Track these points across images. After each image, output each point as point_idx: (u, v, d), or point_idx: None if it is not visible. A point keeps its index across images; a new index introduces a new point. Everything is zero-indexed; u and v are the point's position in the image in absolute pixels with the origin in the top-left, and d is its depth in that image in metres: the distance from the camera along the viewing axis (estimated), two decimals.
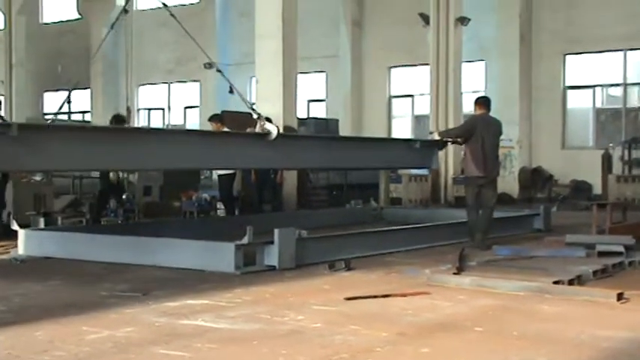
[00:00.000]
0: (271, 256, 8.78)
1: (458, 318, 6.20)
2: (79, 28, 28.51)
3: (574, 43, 21.39)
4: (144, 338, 5.50)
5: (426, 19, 20.54)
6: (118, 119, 14.59)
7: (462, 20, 19.97)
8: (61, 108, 9.29)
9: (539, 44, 21.93)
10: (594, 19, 20.79)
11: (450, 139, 12.52)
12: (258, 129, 14.18)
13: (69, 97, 11.56)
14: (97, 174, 16.14)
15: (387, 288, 7.40)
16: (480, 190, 11.03)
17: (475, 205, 11.15)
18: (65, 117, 30.34)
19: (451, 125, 19.41)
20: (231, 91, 11.59)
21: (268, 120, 11.49)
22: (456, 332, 5.71)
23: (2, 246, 10.57)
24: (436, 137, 12.67)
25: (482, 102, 11.38)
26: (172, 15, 11.38)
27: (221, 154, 10.16)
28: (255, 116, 11.20)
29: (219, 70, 11.62)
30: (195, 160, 10.16)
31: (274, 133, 10.02)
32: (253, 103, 12.67)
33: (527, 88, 21.73)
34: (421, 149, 12.46)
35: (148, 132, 11.38)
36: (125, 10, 10.65)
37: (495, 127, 11.28)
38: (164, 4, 11.96)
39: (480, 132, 10.98)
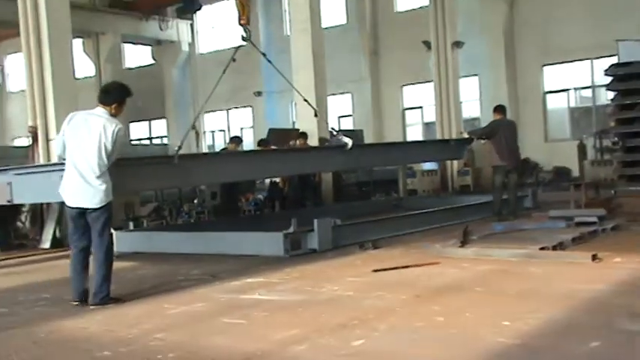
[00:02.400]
0: (313, 241, 8.83)
1: (463, 281, 6.17)
2: (154, 71, 28.75)
3: (550, 56, 21.07)
4: (212, 311, 5.56)
5: (428, 45, 20.36)
6: (236, 139, 14.77)
7: (457, 44, 19.76)
8: (183, 141, 9.80)
9: (521, 58, 21.63)
10: (565, 35, 20.46)
11: (475, 137, 13.13)
12: (298, 144, 14.30)
13: (193, 124, 11.69)
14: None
15: (406, 260, 7.38)
16: (507, 175, 11.62)
17: (500, 187, 11.69)
18: (147, 142, 30.85)
19: (454, 128, 19.36)
20: (315, 115, 12.14)
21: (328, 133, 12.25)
22: (461, 293, 5.69)
23: None
24: (466, 136, 13.53)
25: (500, 109, 12.12)
26: (266, 57, 11.57)
27: (317, 162, 11.33)
28: (334, 133, 12.07)
29: (305, 100, 11.81)
30: (302, 168, 11.48)
31: (350, 144, 10.74)
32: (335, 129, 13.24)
33: (513, 94, 21.44)
34: (454, 146, 13.41)
35: (261, 152, 12.03)
36: (233, 59, 10.98)
37: (513, 127, 12.00)
38: (263, 53, 12.13)
39: (501, 132, 11.61)
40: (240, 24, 11.17)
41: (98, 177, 5.98)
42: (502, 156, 11.54)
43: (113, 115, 6.17)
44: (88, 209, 6.04)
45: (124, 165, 6.83)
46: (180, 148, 9.24)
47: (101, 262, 6.04)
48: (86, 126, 6.06)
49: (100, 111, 6.16)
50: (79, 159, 6.03)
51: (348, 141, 10.72)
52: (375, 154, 12.66)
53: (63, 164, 6.30)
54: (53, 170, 6.58)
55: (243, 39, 11.07)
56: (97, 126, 6.02)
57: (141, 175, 8.31)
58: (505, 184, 11.69)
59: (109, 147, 5.99)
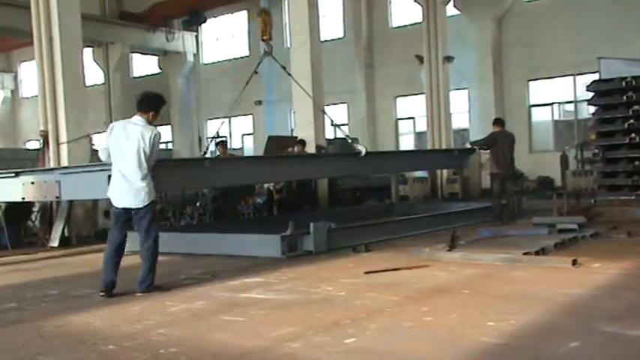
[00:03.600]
0: (309, 243, 8.84)
1: (450, 284, 6.17)
2: (160, 80, 28.65)
3: (535, 71, 21.12)
4: (212, 309, 5.54)
5: (420, 59, 20.42)
6: (222, 143, 14.84)
7: (448, 58, 19.84)
8: (207, 149, 10.17)
9: (508, 73, 21.68)
10: (549, 53, 20.55)
11: (477, 147, 13.34)
12: (296, 150, 14.30)
13: (217, 132, 11.93)
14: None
15: (397, 263, 7.38)
16: (505, 182, 11.83)
17: (499, 194, 11.88)
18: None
19: (444, 138, 19.46)
20: (332, 124, 12.41)
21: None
22: (448, 294, 5.68)
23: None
24: (468, 146, 13.75)
25: (499, 122, 12.43)
26: (285, 70, 11.85)
27: (337, 167, 11.67)
28: (349, 141, 12.58)
29: (322, 111, 11.98)
30: (323, 172, 12.06)
31: (363, 152, 11.07)
32: (351, 137, 13.61)
33: (500, 107, 21.45)
34: (458, 155, 13.70)
35: (276, 158, 12.19)
36: (256, 72, 11.29)
37: (510, 138, 12.15)
38: (283, 67, 12.37)
39: (500, 143, 11.87)
40: (263, 39, 11.44)
41: (141, 179, 6.28)
42: (498, 165, 11.74)
43: (149, 122, 6.41)
44: (133, 209, 6.32)
45: (162, 166, 7.38)
46: (205, 152, 9.51)
47: (147, 256, 6.36)
48: (125, 133, 6.34)
49: (137, 119, 6.41)
50: (122, 164, 6.33)
51: (362, 149, 10.86)
52: (383, 161, 12.97)
53: (105, 165, 6.74)
54: (96, 170, 6.78)
55: (266, 53, 11.34)
56: (135, 133, 6.30)
57: (177, 175, 8.72)
58: (504, 191, 11.82)
59: (148, 151, 6.28)
